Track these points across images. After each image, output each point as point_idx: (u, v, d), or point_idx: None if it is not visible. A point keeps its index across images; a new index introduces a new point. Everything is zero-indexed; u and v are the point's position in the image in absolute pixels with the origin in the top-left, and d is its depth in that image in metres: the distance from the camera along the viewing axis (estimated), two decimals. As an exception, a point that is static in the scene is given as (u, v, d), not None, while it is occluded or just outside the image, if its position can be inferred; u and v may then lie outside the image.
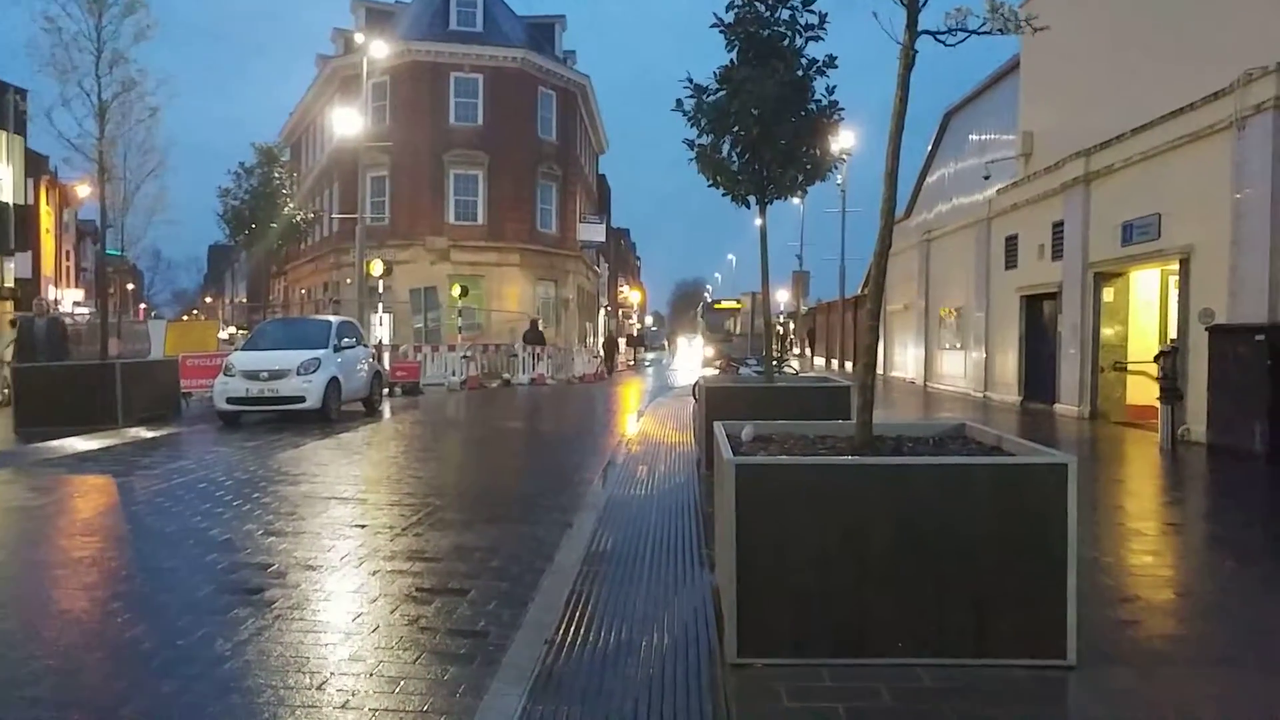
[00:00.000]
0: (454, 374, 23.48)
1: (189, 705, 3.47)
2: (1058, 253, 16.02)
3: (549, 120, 36.83)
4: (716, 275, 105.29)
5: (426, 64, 33.93)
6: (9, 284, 24.10)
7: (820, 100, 9.01)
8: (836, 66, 9.01)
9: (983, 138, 21.67)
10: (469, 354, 24.29)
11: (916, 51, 4.42)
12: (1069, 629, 3.66)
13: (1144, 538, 6.34)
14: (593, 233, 41.82)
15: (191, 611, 4.60)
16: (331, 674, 3.78)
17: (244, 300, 63.89)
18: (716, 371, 20.00)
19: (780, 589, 3.77)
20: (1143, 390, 13.37)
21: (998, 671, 3.60)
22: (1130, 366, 13.93)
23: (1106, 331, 14.75)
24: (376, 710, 3.42)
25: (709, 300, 46.13)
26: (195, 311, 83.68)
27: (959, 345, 21.72)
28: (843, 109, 9.11)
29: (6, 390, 15.71)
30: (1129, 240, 13.61)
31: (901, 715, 3.28)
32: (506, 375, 26.14)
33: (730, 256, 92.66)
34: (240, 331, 38.64)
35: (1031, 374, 17.34)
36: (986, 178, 19.49)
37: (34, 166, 28.34)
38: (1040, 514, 3.67)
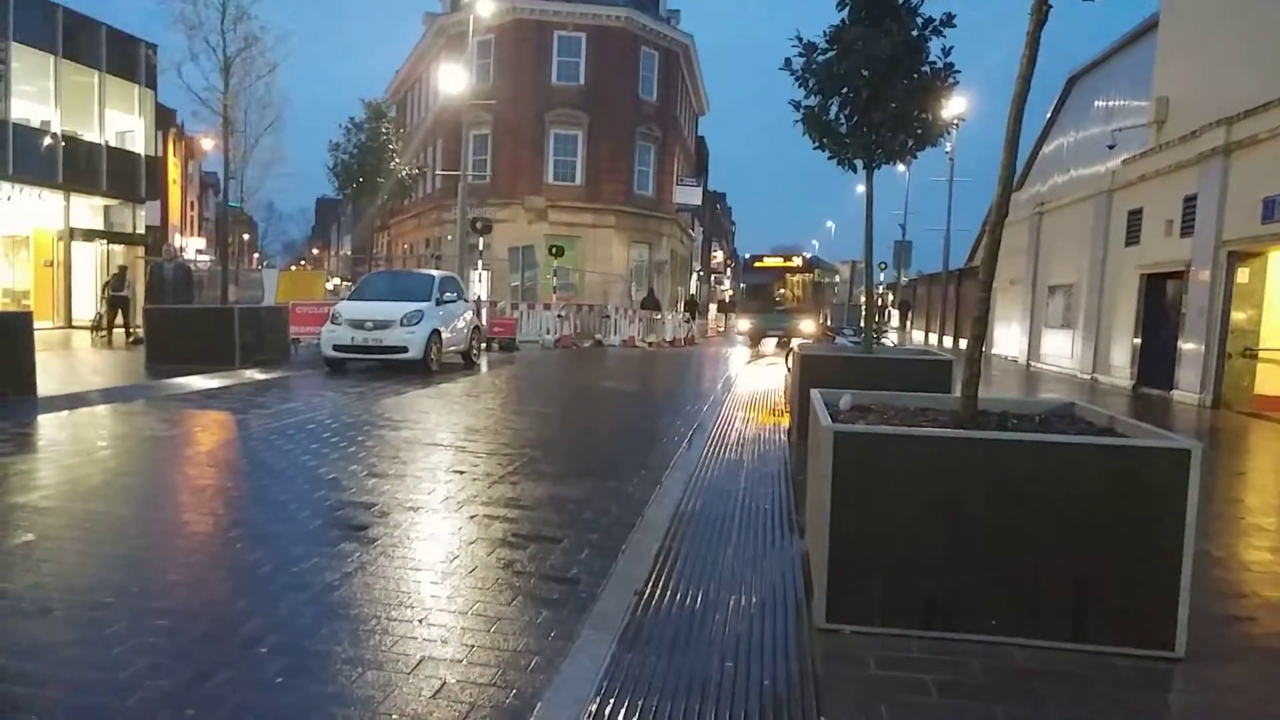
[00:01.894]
0: (548, 332, 23.88)
1: (303, 625, 3.70)
2: (1188, 229, 15.04)
3: (650, 80, 36.56)
4: (814, 242, 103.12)
5: (530, 22, 34.09)
6: (140, 230, 25.61)
7: (935, 62, 8.67)
8: (954, 25, 8.61)
9: (1110, 104, 20.43)
10: (563, 313, 24.64)
11: (1050, 6, 4.19)
12: (1179, 620, 3.52)
13: (1265, 533, 5.99)
14: (689, 195, 41.51)
15: (303, 542, 4.89)
16: (430, 610, 3.96)
17: (349, 253, 66.36)
18: (749, 354, 19.63)
19: (872, 558, 3.75)
20: (1274, 380, 12.52)
21: (1097, 658, 3.51)
22: (1262, 354, 13.04)
23: (1238, 315, 13.78)
24: (472, 647, 3.58)
25: (748, 257, 33.54)
26: (303, 262, 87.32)
27: (1068, 324, 20.75)
28: (958, 71, 8.74)
29: (139, 329, 16.84)
30: (1271, 217, 12.64)
31: (992, 693, 3.24)
32: (599, 335, 26.43)
33: (829, 223, 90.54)
34: (345, 283, 40.18)
35: (1148, 357, 16.43)
36: (1111, 147, 18.40)
37: (162, 119, 29.95)
38: (1156, 500, 3.53)
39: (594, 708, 3.07)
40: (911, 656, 3.50)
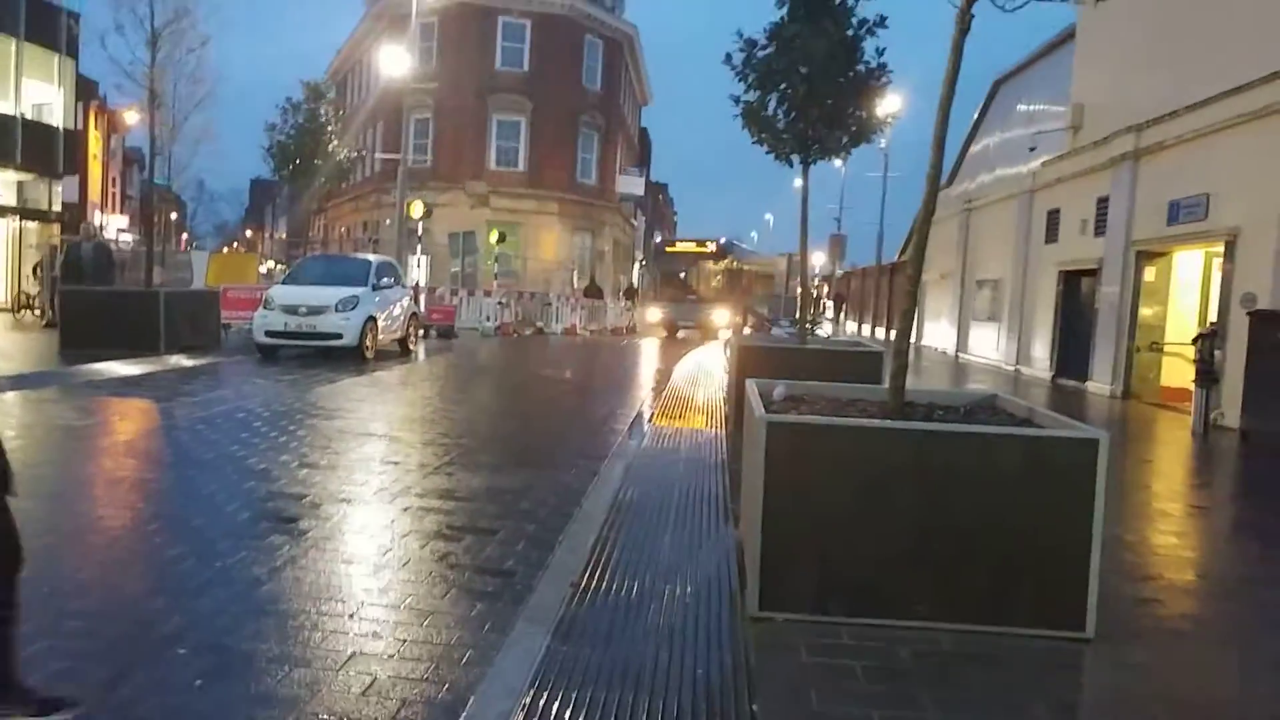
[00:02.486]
0: (489, 319, 23.65)
1: (226, 624, 3.61)
2: (1100, 229, 15.68)
3: (594, 69, 36.39)
4: (753, 234, 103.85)
5: (475, 6, 33.56)
6: (56, 208, 24.48)
7: (869, 61, 8.86)
8: (887, 27, 8.82)
9: (1031, 108, 21.10)
10: (504, 300, 24.42)
11: (973, 15, 4.31)
12: (1089, 603, 3.69)
13: (1169, 518, 6.31)
14: (632, 185, 41.51)
15: (230, 536, 4.76)
16: (362, 604, 3.90)
17: (284, 236, 64.52)
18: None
19: (804, 546, 3.83)
20: (1178, 372, 13.16)
21: (1016, 640, 3.65)
22: (1167, 348, 13.70)
23: (1145, 311, 14.48)
24: (405, 641, 3.54)
25: (659, 242, 33.69)
26: (236, 244, 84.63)
27: (994, 317, 21.43)
28: (891, 71, 8.95)
29: (51, 311, 16.12)
30: (1175, 219, 13.28)
31: (918, 676, 3.35)
32: (540, 323, 26.28)
33: (768, 216, 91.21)
34: (279, 266, 39.10)
35: (1065, 350, 17.11)
36: (1032, 149, 19.04)
37: (83, 91, 28.65)
38: (1068, 488, 3.69)
39: (528, 700, 3.07)
40: (841, 643, 3.59)
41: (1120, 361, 14.67)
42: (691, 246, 29.06)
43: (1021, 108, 21.75)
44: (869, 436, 3.84)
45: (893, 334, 24.89)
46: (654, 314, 27.54)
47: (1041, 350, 18.19)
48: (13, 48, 22.55)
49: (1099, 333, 15.41)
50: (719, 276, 27.86)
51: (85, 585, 4.05)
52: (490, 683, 3.20)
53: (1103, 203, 15.62)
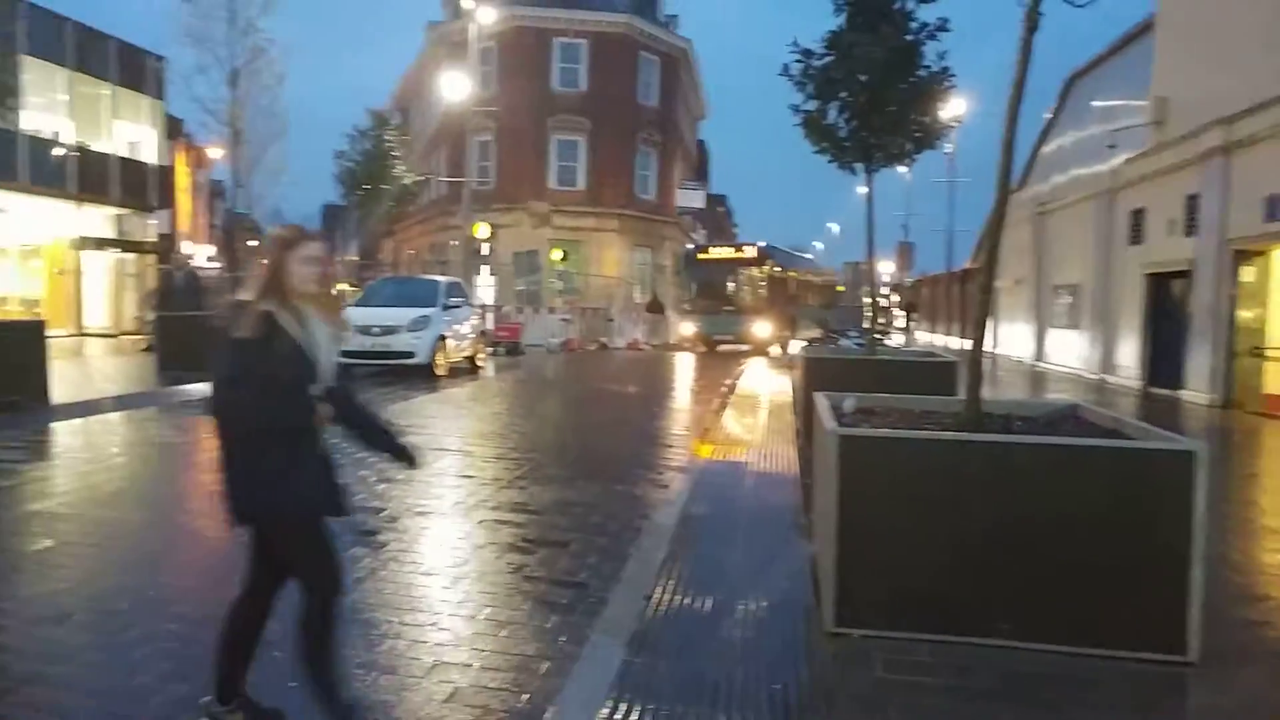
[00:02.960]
0: (553, 336, 23.95)
1: (317, 633, 3.75)
2: (1191, 228, 15.03)
3: (650, 86, 36.63)
4: (817, 244, 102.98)
5: (531, 29, 34.19)
6: (151, 239, 25.78)
7: (931, 66, 8.74)
8: (949, 30, 8.70)
9: (1108, 104, 20.42)
10: (568, 317, 24.71)
11: (1042, 14, 4.24)
12: (1190, 624, 3.52)
13: (1279, 536, 6.00)
14: (691, 199, 41.57)
15: (316, 549, 4.93)
16: (441, 614, 4.01)
17: (355, 258, 66.50)
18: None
19: (881, 562, 3.78)
20: (1285, 379, 12.50)
21: (1109, 663, 3.51)
22: (1270, 353, 13.00)
23: (1244, 314, 13.72)
24: (484, 651, 3.62)
25: (691, 249, 28.94)
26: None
27: (1074, 323, 20.74)
28: (954, 75, 8.80)
29: (151, 336, 16.96)
30: (1274, 216, 12.64)
31: (1002, 697, 3.26)
32: (603, 339, 26.49)
33: (832, 225, 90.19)
34: (351, 288, 40.32)
35: (1156, 357, 16.41)
36: (1111, 147, 18.40)
37: (171, 129, 30.14)
38: (1163, 503, 3.54)
39: (605, 712, 3.10)
40: (920, 660, 3.53)
41: (1219, 368, 13.90)
42: (728, 252, 26.24)
43: (1097, 104, 21.08)
44: (945, 449, 3.78)
45: (967, 342, 24.22)
46: (687, 327, 24.96)
47: (1129, 358, 17.51)
48: (106, 92, 23.93)
49: (1193, 338, 14.68)
50: (761, 285, 24.81)
51: (188, 591, 4.26)
52: (569, 694, 3.25)
53: (1192, 200, 14.96)
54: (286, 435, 2.74)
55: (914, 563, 3.75)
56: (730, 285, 25.01)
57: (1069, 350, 21.07)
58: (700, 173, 50.57)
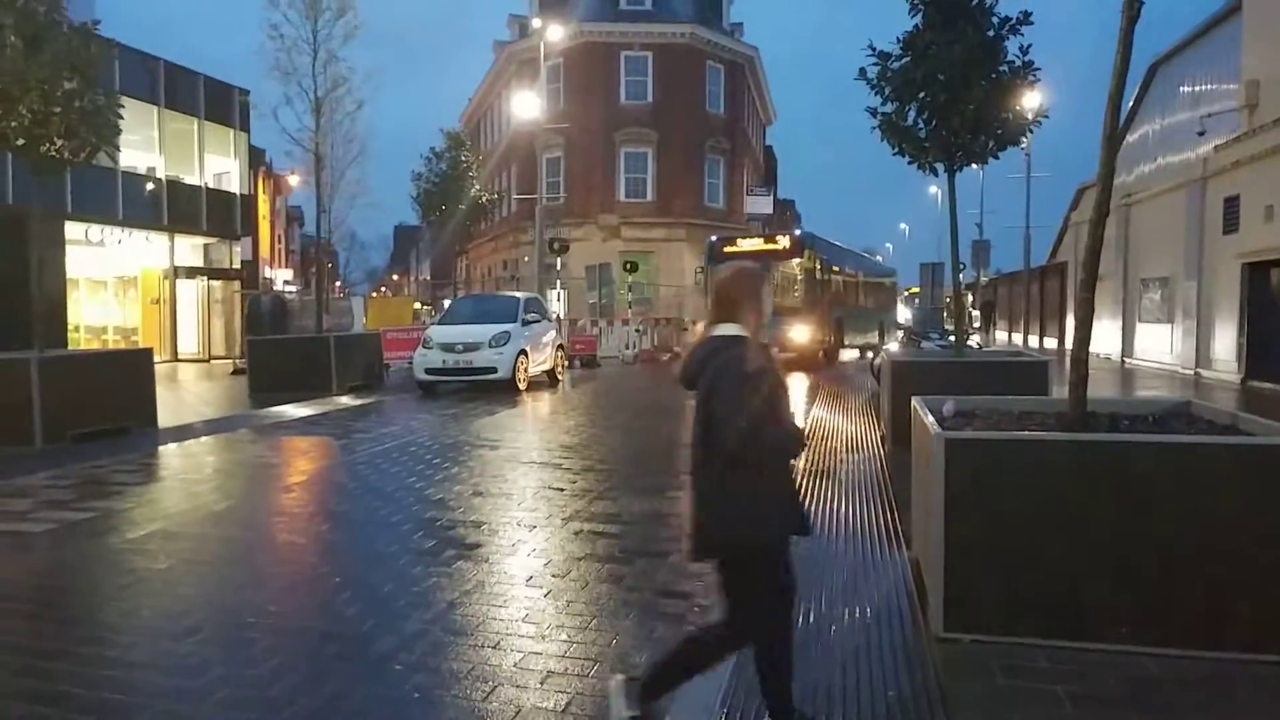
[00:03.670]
0: (627, 347, 24.10)
1: (431, 643, 3.87)
2: (1291, 214, 14.32)
3: (717, 94, 36.66)
4: (888, 245, 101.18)
5: (598, 44, 34.61)
6: (236, 266, 26.92)
7: (1013, 61, 8.56)
8: (1031, 24, 8.51)
9: (1196, 89, 19.60)
10: (641, 328, 24.84)
11: (1142, 3, 4.13)
12: (1323, 624, 3.38)
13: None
14: (760, 205, 41.35)
15: (420, 562, 5.09)
16: (549, 625, 4.08)
17: (428, 278, 68.15)
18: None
19: (990, 565, 3.72)
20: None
21: (1237, 667, 3.39)
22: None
23: (1351, 301, 13.03)
24: (595, 661, 3.68)
25: (715, 241, 22.90)
26: (383, 288, 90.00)
27: (1164, 318, 19.90)
28: (1038, 69, 8.60)
29: (242, 359, 17.71)
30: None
31: (1129, 703, 3.17)
32: (677, 348, 26.52)
33: (903, 226, 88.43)
34: (425, 307, 41.31)
35: (1255, 349, 15.61)
36: (1201, 133, 17.65)
37: (253, 159, 31.45)
38: (1290, 500, 3.40)
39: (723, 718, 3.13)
40: (1038, 666, 3.45)
41: (1325, 359, 13.20)
42: (757, 244, 21.37)
43: (1185, 89, 20.24)
44: (1055, 450, 3.69)
45: (1048, 341, 23.60)
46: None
47: (1226, 351, 16.71)
48: (195, 127, 25.14)
49: (1297, 329, 13.95)
50: (798, 282, 20.86)
51: (305, 608, 4.45)
52: (684, 702, 3.27)
53: (1290, 186, 14.25)
54: (777, 462, 2.84)
55: (1026, 566, 3.67)
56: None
57: (1159, 345, 20.22)
58: (768, 178, 50.30)
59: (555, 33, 26.17)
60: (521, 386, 14.38)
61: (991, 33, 8.39)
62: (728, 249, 21.42)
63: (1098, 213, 4.30)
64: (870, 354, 22.23)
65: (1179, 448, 3.60)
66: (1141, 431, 4.12)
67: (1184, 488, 3.50)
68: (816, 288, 21.20)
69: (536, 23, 31.24)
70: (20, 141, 8.95)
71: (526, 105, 26.67)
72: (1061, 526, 3.63)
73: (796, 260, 20.81)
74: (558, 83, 34.52)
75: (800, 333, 19.56)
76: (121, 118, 9.84)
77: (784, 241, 21.15)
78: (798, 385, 15.08)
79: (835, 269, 23.34)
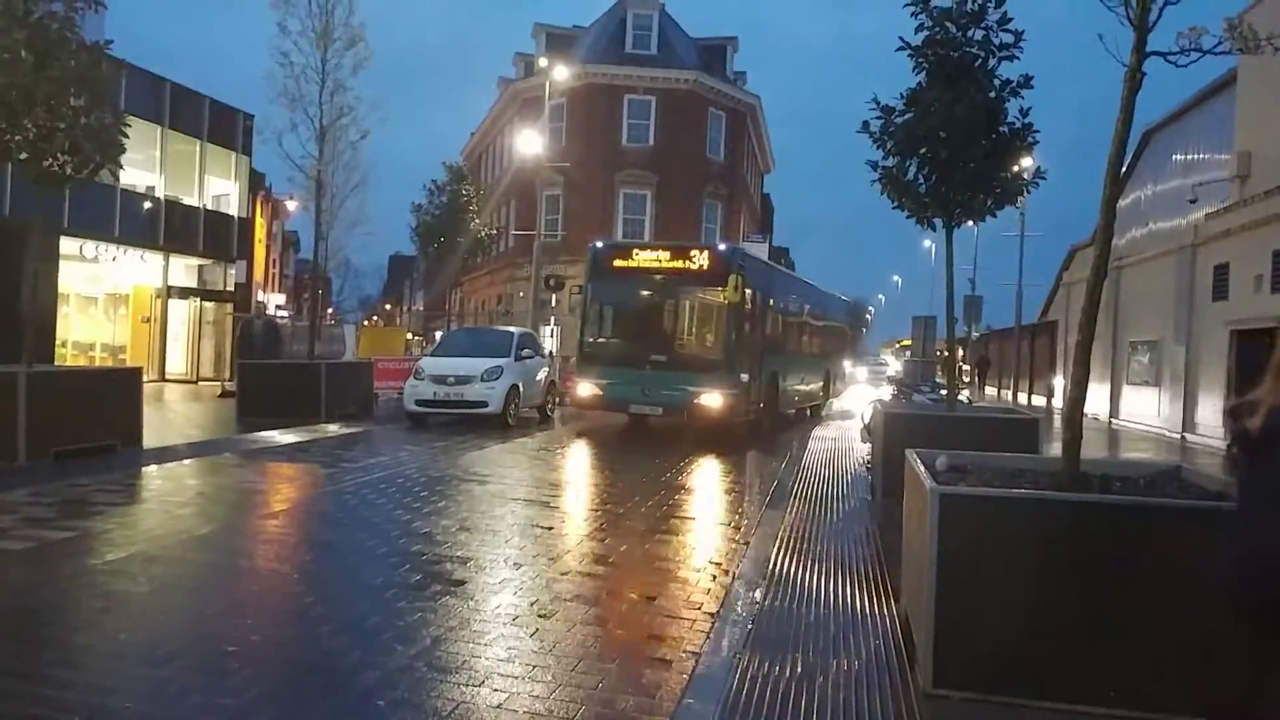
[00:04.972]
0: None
1: (415, 678, 3.80)
2: (1279, 284, 14.54)
3: (717, 140, 37.18)
4: (880, 297, 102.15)
5: (603, 86, 35.14)
6: (230, 288, 26.87)
7: (1014, 123, 8.73)
8: (1032, 87, 8.69)
9: (1189, 158, 20.02)
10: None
11: (1144, 74, 4.24)
12: (1313, 696, 3.35)
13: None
14: (755, 251, 41.65)
15: (405, 596, 5.03)
16: (534, 665, 4.02)
17: (421, 309, 68.23)
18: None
19: (981, 623, 3.70)
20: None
21: (1228, 735, 3.36)
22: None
23: (1336, 373, 13.16)
24: (577, 703, 3.62)
25: (600, 248, 15.72)
26: (375, 318, 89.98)
27: (1152, 380, 20.08)
28: (1038, 131, 8.77)
29: (231, 381, 17.59)
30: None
31: (1118, 768, 3.14)
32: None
33: (895, 278, 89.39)
34: (417, 338, 41.27)
35: (1241, 416, 15.74)
36: (1193, 201, 17.98)
37: (254, 182, 31.59)
38: (1282, 569, 3.40)
39: (708, 770, 3.08)
40: (1026, 728, 3.42)
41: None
42: (663, 259, 14.63)
43: (1178, 157, 20.67)
44: (1051, 509, 3.71)
45: (1036, 398, 23.60)
46: (582, 386, 14.57)
47: (1213, 416, 16.83)
48: (197, 148, 25.27)
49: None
50: (712, 315, 14.38)
51: (289, 638, 4.37)
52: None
53: (1280, 256, 14.50)
54: None
55: (1017, 624, 3.66)
56: (665, 316, 14.84)
57: (1146, 408, 20.37)
58: (765, 225, 50.87)
59: (561, 73, 26.60)
60: (511, 422, 14.32)
61: (993, 94, 8.58)
62: (619, 262, 14.84)
63: (1095, 275, 4.36)
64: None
65: (1171, 511, 3.62)
66: (1133, 494, 4.14)
67: (1175, 551, 3.51)
68: (745, 326, 14.38)
69: (543, 62, 31.74)
70: (23, 155, 8.98)
71: (529, 143, 26.99)
72: (1053, 585, 3.62)
73: (718, 288, 13.77)
74: (561, 122, 34.94)
75: (717, 395, 13.39)
76: (127, 136, 9.89)
77: (701, 259, 14.30)
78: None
79: (772, 301, 16.56)
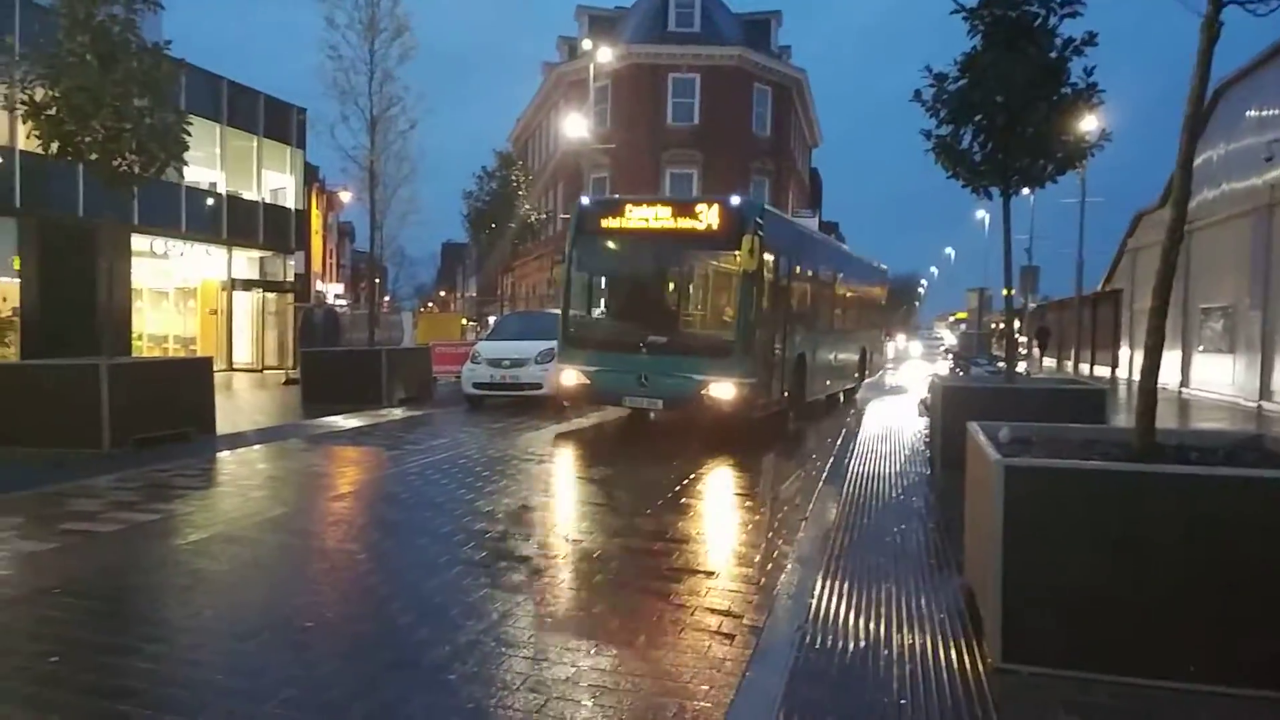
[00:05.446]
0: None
1: (484, 653, 3.90)
2: (1362, 243, 13.86)
3: (764, 116, 36.73)
4: (933, 269, 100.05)
5: (646, 66, 34.94)
6: (290, 279, 27.56)
7: (1077, 83, 8.45)
8: (1096, 44, 8.40)
9: (1264, 113, 19.11)
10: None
11: (1222, 24, 4.07)
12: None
13: None
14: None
15: (471, 573, 5.14)
16: (599, 640, 4.09)
17: (474, 294, 69.05)
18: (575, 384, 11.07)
19: (1051, 596, 3.64)
20: None
21: (1313, 708, 3.27)
22: None
23: None
24: (646, 676, 3.68)
25: (587, 206, 12.36)
26: (430, 304, 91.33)
27: (1226, 348, 19.34)
28: (1103, 91, 8.48)
29: (294, 370, 18.09)
30: None
31: (1199, 742, 3.08)
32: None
33: (948, 250, 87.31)
34: (471, 323, 41.81)
35: (1322, 382, 15.11)
36: (1269, 159, 17.21)
37: (308, 175, 32.25)
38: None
39: (776, 741, 3.10)
40: (1102, 702, 3.37)
41: None
42: (663, 216, 11.65)
43: (1252, 114, 19.75)
44: (1125, 482, 3.62)
45: (1099, 369, 22.92)
46: (568, 374, 11.76)
47: (1290, 382, 16.20)
48: (254, 144, 25.92)
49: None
50: (739, 286, 11.24)
51: (361, 614, 4.52)
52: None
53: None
54: None
55: (1089, 598, 3.59)
56: (666, 287, 12.38)
57: (1219, 376, 19.64)
58: (813, 201, 50.16)
59: (604, 55, 26.52)
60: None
61: (1055, 54, 8.31)
62: (610, 221, 11.91)
63: (1170, 238, 4.22)
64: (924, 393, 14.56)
65: (1254, 482, 3.50)
66: (1212, 464, 4.02)
67: (1258, 524, 3.41)
68: (766, 298, 11.49)
69: (586, 44, 31.67)
70: (94, 156, 9.30)
71: (574, 126, 27.00)
72: (1128, 559, 3.54)
73: (731, 251, 10.99)
74: (605, 104, 34.88)
75: (728, 383, 10.60)
76: (189, 134, 10.16)
77: (710, 215, 11.20)
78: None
79: (799, 267, 13.58)
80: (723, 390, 10.62)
